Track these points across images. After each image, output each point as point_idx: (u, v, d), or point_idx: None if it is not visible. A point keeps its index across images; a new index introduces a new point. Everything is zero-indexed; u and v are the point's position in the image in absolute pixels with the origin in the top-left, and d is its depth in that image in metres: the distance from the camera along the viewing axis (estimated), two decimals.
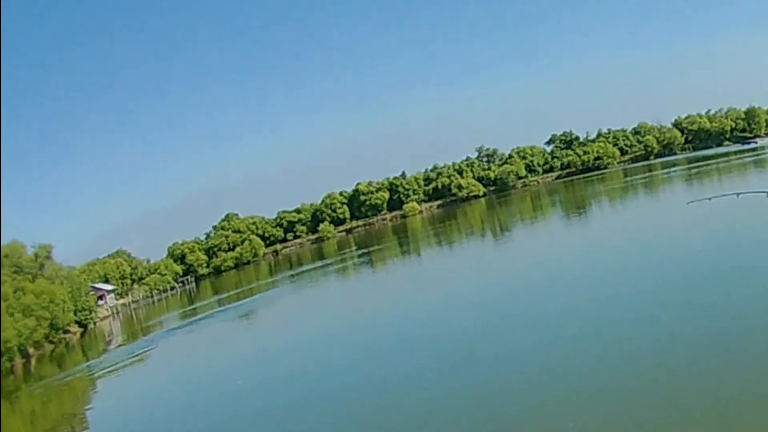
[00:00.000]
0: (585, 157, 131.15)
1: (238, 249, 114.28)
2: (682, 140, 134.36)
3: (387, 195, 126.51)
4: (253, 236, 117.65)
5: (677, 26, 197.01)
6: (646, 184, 68.26)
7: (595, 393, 11.76)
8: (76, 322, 60.31)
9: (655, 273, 20.24)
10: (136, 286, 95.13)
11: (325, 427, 14.07)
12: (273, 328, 33.79)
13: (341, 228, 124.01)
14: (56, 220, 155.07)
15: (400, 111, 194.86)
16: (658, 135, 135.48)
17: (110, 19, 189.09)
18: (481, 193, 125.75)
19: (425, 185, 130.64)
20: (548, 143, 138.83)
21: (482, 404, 12.82)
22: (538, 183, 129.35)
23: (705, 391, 10.58)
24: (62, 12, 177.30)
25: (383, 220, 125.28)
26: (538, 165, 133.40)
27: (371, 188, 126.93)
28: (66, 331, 56.57)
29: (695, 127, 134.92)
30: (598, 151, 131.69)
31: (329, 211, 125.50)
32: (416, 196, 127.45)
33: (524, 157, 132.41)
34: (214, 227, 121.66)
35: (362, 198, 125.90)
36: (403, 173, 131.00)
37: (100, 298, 76.87)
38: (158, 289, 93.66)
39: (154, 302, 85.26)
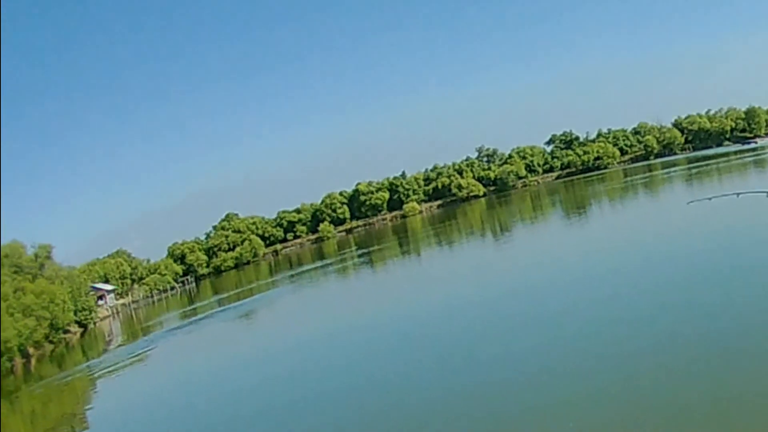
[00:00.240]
0: (585, 157, 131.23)
1: (238, 249, 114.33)
2: (682, 140, 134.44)
3: (387, 195, 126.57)
4: (253, 236, 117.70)
5: (677, 26, 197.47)
6: (646, 184, 68.24)
7: (595, 393, 11.75)
8: (76, 322, 60.35)
9: (655, 273, 20.24)
10: (136, 286, 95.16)
11: (325, 428, 14.06)
12: (273, 328, 33.80)
13: (341, 228, 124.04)
14: (56, 220, 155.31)
15: (400, 111, 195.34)
16: (658, 135, 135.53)
17: (111, 20, 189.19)
18: (481, 193, 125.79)
19: (425, 185, 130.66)
20: (548, 143, 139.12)
21: (482, 404, 12.82)
22: (538, 183, 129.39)
23: (705, 392, 10.57)
24: (63, 12, 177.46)
25: (383, 220, 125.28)
26: (538, 165, 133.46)
27: (371, 188, 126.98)
28: (66, 331, 56.58)
29: (695, 127, 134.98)
30: (598, 151, 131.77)
31: (329, 211, 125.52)
32: (416, 196, 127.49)
33: (524, 157, 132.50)
34: (214, 227, 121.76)
35: (362, 198, 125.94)
36: (403, 173, 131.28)
37: (100, 298, 76.88)
38: (158, 289, 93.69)
39: (154, 302, 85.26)
